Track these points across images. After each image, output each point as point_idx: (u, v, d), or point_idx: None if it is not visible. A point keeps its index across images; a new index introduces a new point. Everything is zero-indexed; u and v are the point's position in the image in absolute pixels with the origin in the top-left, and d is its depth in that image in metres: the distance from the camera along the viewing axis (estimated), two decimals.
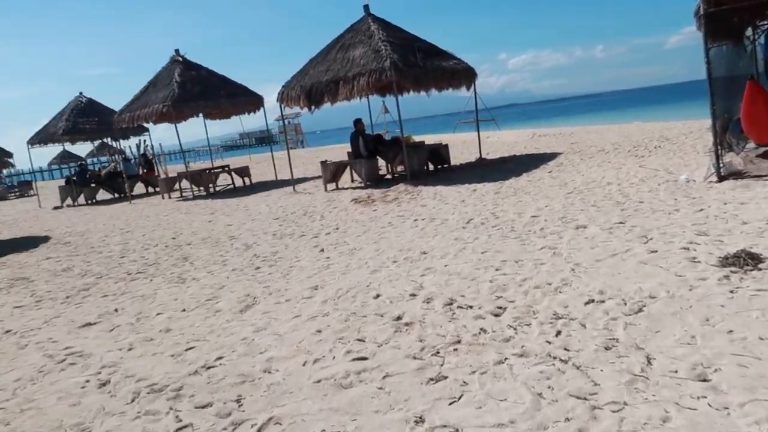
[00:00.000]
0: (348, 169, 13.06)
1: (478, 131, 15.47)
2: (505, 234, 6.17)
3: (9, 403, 3.48)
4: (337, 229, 8.05)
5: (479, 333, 3.53)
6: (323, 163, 12.80)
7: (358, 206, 9.83)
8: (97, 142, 31.37)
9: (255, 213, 10.90)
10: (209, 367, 3.59)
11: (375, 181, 12.28)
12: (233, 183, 17.14)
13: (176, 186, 17.82)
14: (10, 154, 34.31)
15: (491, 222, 6.91)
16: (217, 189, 17.25)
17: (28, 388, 3.69)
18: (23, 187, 33.36)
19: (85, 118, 20.05)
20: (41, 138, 20.48)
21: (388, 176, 13.20)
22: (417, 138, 14.33)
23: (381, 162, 13.74)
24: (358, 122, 12.60)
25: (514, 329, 3.53)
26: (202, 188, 16.64)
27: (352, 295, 4.71)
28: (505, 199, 8.35)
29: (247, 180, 16.97)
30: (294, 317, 4.38)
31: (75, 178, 20.26)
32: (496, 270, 4.83)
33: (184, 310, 5.04)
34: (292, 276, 5.75)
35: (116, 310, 5.35)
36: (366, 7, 12.74)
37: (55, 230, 12.69)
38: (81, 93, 21.12)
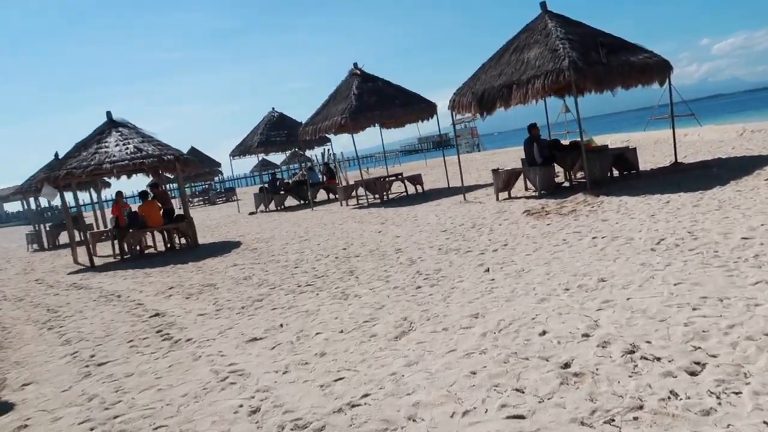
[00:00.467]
0: (521, 177, 12.37)
1: (673, 129, 13.68)
2: (705, 261, 5.18)
3: (171, 422, 3.62)
4: (506, 245, 7.53)
5: (668, 398, 2.86)
6: (495, 171, 12.27)
7: (530, 219, 9.17)
8: (288, 152, 34.22)
9: (423, 224, 10.76)
10: (354, 405, 3.38)
11: (550, 190, 11.45)
12: (406, 190, 17.33)
13: (353, 193, 18.56)
14: (219, 164, 38.94)
15: (688, 244, 5.88)
16: (391, 197, 17.59)
17: (191, 406, 3.82)
18: (228, 193, 37.51)
19: (276, 131, 21.83)
20: (240, 150, 22.76)
21: (566, 184, 12.24)
22: (600, 139, 13.14)
23: (558, 168, 12.83)
24: (532, 127, 11.87)
25: (717, 398, 2.80)
26: (377, 196, 17.07)
27: (515, 329, 4.22)
28: (706, 215, 7.13)
29: (419, 187, 17.02)
30: (448, 351, 4.03)
31: (267, 186, 22.16)
32: (693, 309, 4.00)
33: (341, 332, 4.96)
34: (452, 299, 5.41)
35: (281, 325, 5.47)
36: (543, 5, 11.96)
37: (247, 236, 13.83)
38: (273, 108, 23.07)
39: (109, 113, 13.68)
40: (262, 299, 6.69)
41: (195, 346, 5.21)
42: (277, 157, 43.34)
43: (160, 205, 13.47)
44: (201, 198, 39.52)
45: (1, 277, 13.01)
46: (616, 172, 12.28)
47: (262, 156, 31.40)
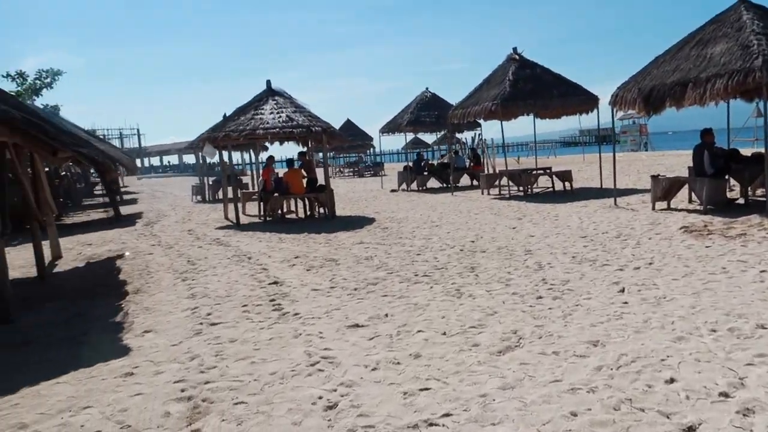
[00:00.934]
0: (685, 188, 10.99)
1: None
2: None
3: (253, 399, 3.60)
4: (650, 264, 6.66)
5: None
6: (654, 177, 11.02)
7: (687, 237, 8.08)
8: (439, 133, 34.04)
9: (563, 225, 9.99)
10: (431, 424, 3.10)
11: (719, 206, 10.03)
12: (553, 186, 16.34)
13: (496, 183, 17.93)
14: (371, 138, 39.97)
15: None
16: (536, 191, 16.70)
17: (275, 387, 3.78)
18: (377, 167, 38.36)
19: (427, 111, 21.71)
20: (390, 128, 23.02)
21: (740, 200, 10.65)
22: None
23: (734, 182, 11.23)
24: (705, 133, 10.43)
25: None
26: (521, 188, 16.30)
27: (637, 370, 3.63)
28: None
29: (567, 184, 15.95)
30: (552, 381, 3.57)
31: (412, 165, 22.21)
32: None
33: (444, 334, 4.67)
34: (573, 318, 4.86)
35: (387, 315, 5.31)
36: None
37: (382, 213, 13.92)
38: (427, 88, 22.94)
39: (268, 82, 14.41)
40: (376, 283, 6.58)
41: (299, 322, 5.22)
42: (429, 137, 43.57)
43: (304, 173, 14.01)
44: (351, 169, 40.94)
45: (164, 223, 14.40)
46: None
47: (414, 135, 31.73)
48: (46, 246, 10.26)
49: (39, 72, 21.95)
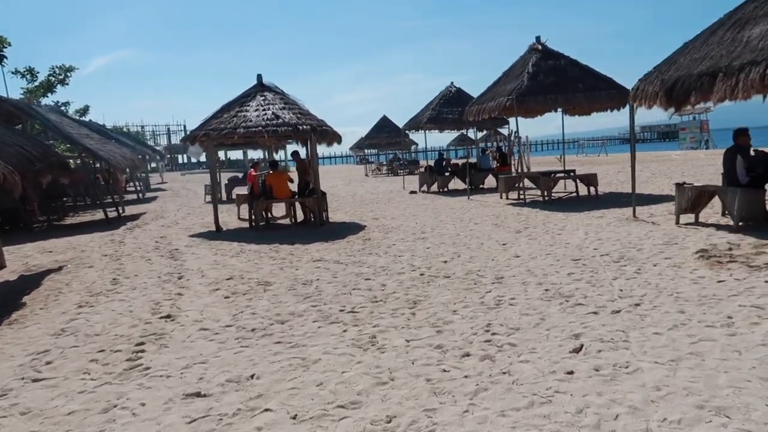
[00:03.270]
0: (716, 199, 9.21)
1: None
2: None
3: None
4: (637, 306, 5.14)
5: None
6: (679, 186, 9.28)
7: (700, 265, 6.45)
8: (485, 131, 32.19)
9: (562, 242, 8.46)
10: None
11: (756, 222, 8.24)
12: (577, 191, 14.61)
13: (517, 185, 16.36)
14: (406, 135, 38.57)
15: None
16: (560, 195, 15.03)
17: None
18: (411, 165, 36.93)
19: (449, 107, 20.21)
20: (410, 126, 21.65)
21: None
22: None
23: None
24: (740, 134, 8.63)
25: None
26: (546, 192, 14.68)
27: None
28: None
29: (592, 189, 14.20)
30: None
31: (433, 165, 20.80)
32: None
33: (294, 417, 3.40)
34: (483, 399, 3.49)
35: (253, 376, 4.07)
36: None
37: (381, 219, 12.66)
38: (452, 83, 21.41)
39: (259, 76, 13.36)
40: (285, 322, 5.34)
41: (134, 384, 4.05)
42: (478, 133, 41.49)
43: (291, 177, 12.92)
44: (387, 167, 39.73)
45: (149, 227, 13.61)
46: None
47: (462, 131, 29.68)
48: None
49: (52, 68, 21.84)
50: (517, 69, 14.87)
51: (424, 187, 20.53)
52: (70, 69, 22.06)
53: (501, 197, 15.90)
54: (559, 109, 16.54)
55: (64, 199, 18.22)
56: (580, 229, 9.58)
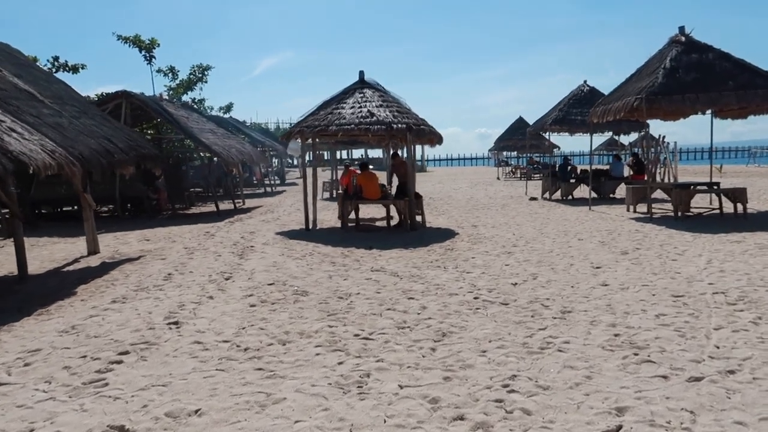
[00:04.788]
0: None
1: None
2: None
3: None
4: (731, 372, 3.75)
5: None
6: None
7: None
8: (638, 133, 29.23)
9: (672, 270, 6.90)
10: None
11: None
12: (720, 207, 12.33)
13: (651, 195, 14.32)
14: (546, 138, 36.24)
15: None
16: (701, 212, 12.83)
17: None
18: (546, 169, 34.57)
19: (579, 108, 18.36)
20: (537, 127, 20.06)
21: None
22: None
23: None
24: None
25: None
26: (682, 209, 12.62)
27: None
28: None
29: (740, 206, 11.87)
30: None
31: (558, 171, 19.07)
32: None
33: None
34: None
35: (197, 411, 3.45)
36: None
37: (480, 227, 11.62)
38: (585, 82, 19.47)
39: (361, 73, 12.92)
40: (284, 343, 4.67)
41: (75, 404, 3.60)
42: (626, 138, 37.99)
43: (384, 177, 12.28)
44: (521, 171, 37.78)
45: (251, 221, 13.77)
46: None
47: (611, 134, 26.81)
48: (82, 241, 10.09)
49: (192, 67, 23.36)
50: (653, 64, 12.88)
51: (547, 194, 18.90)
52: (207, 68, 23.52)
53: (628, 210, 13.99)
54: (708, 112, 14.21)
55: (195, 189, 19.32)
56: (703, 255, 7.83)
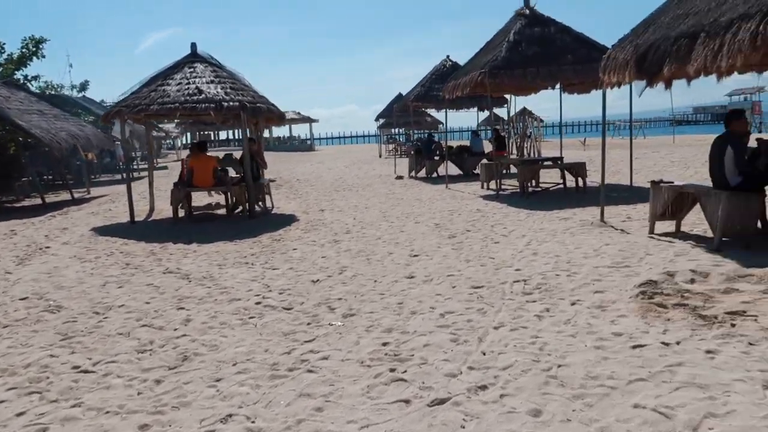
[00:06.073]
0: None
1: None
2: None
3: None
4: (483, 388, 3.26)
5: None
6: (655, 184, 7.16)
7: (635, 306, 4.46)
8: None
9: (487, 255, 6.52)
10: None
11: (744, 239, 6.09)
12: (564, 182, 12.45)
13: (506, 171, 14.41)
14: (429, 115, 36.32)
15: None
16: (546, 186, 12.93)
17: None
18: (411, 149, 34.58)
19: (441, 83, 18.03)
20: (400, 106, 19.66)
21: None
22: None
23: None
24: (733, 118, 6.45)
25: None
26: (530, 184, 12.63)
27: None
28: None
29: (581, 181, 12.02)
30: None
31: (421, 147, 18.81)
32: None
33: None
34: None
35: None
36: None
37: (333, 210, 10.88)
38: (447, 57, 19.22)
39: (193, 45, 11.69)
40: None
41: None
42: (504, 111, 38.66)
43: (216, 162, 11.25)
44: (403, 149, 37.68)
45: (77, 214, 12.23)
46: None
47: (491, 111, 26.79)
48: None
49: (24, 40, 20.64)
50: (499, 38, 12.70)
51: (414, 173, 18.60)
52: (41, 41, 20.84)
53: (482, 187, 13.88)
54: (557, 87, 14.32)
55: (25, 178, 17.09)
56: (527, 235, 7.59)
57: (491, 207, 10.48)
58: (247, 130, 11.65)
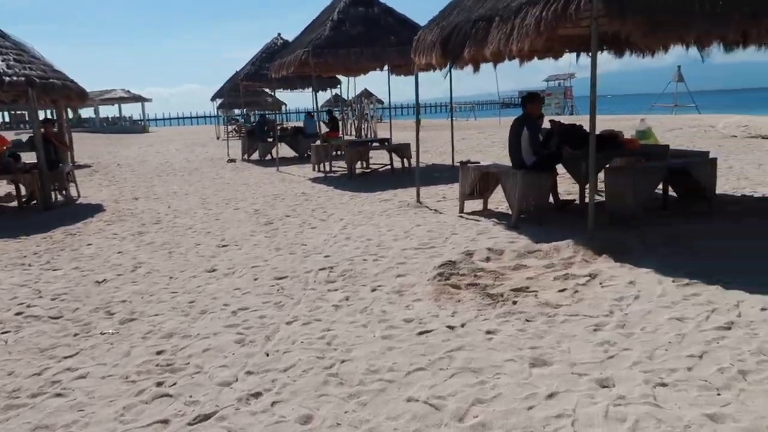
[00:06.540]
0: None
1: None
2: None
3: None
4: (256, 396, 2.96)
5: None
6: (463, 164, 7.38)
7: (430, 289, 4.45)
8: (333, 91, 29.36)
9: (301, 241, 6.26)
10: None
11: (538, 217, 6.46)
12: (391, 163, 12.62)
13: (337, 153, 14.31)
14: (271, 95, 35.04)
15: None
16: (376, 167, 13.02)
17: None
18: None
19: (270, 63, 17.45)
20: (231, 85, 18.73)
21: (578, 202, 7.12)
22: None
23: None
24: (530, 99, 6.80)
25: None
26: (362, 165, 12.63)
27: None
28: None
29: (406, 161, 12.25)
30: None
31: (255, 129, 18.10)
32: None
33: None
34: None
35: None
36: None
37: (149, 197, 9.89)
38: (279, 34, 18.57)
39: None
40: None
41: None
42: (322, 96, 38.49)
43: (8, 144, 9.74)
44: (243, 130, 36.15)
45: None
46: (675, 195, 7.02)
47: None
48: None
49: None
50: (323, 16, 12.44)
51: (247, 155, 17.82)
52: None
53: (313, 169, 13.63)
54: (386, 68, 14.41)
55: None
56: (344, 219, 7.46)
57: (317, 190, 10.26)
58: (48, 111, 10.20)
